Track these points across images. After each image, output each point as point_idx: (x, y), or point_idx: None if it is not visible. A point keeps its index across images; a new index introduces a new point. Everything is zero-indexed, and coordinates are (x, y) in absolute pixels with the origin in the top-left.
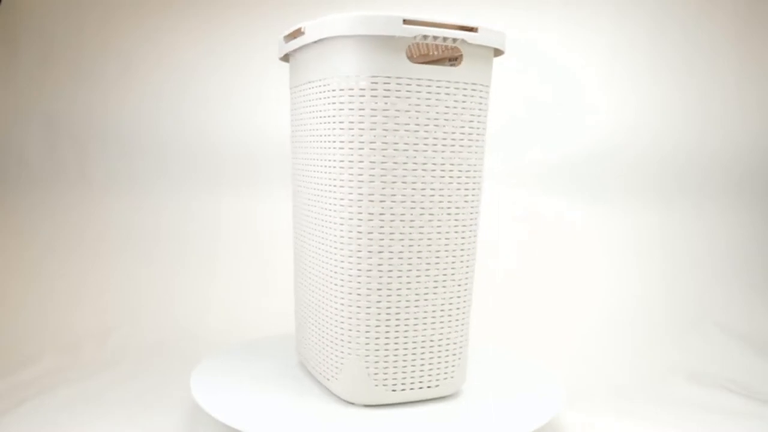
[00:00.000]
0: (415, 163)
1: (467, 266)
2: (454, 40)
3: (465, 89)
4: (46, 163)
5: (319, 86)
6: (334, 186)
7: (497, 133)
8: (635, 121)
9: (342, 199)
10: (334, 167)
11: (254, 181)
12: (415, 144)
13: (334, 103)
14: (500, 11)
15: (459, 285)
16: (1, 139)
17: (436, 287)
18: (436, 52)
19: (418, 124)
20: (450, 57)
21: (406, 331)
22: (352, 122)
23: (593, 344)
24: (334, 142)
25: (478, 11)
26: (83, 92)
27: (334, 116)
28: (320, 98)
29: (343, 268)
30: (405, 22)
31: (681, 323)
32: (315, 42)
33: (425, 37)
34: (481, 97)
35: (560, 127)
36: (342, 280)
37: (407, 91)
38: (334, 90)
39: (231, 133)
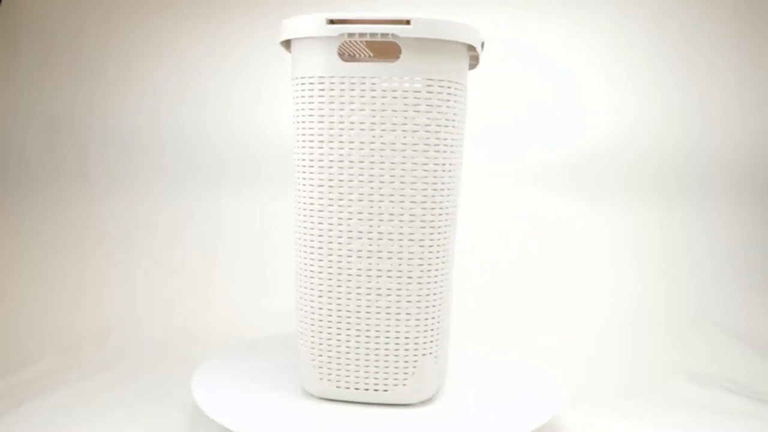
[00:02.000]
0: (372, 162)
1: (436, 270)
2: (383, 35)
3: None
4: (46, 163)
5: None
6: (301, 183)
7: (497, 133)
8: (635, 121)
9: (303, 196)
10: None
11: (255, 180)
12: (371, 143)
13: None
14: (500, 11)
15: (423, 288)
16: (1, 139)
17: (398, 289)
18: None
19: (374, 123)
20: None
21: (357, 332)
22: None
23: (593, 344)
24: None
25: (478, 11)
26: (83, 92)
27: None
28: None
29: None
30: (330, 21)
31: (681, 323)
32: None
33: (351, 35)
34: (448, 94)
35: (560, 127)
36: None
37: (351, 89)
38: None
39: (231, 133)
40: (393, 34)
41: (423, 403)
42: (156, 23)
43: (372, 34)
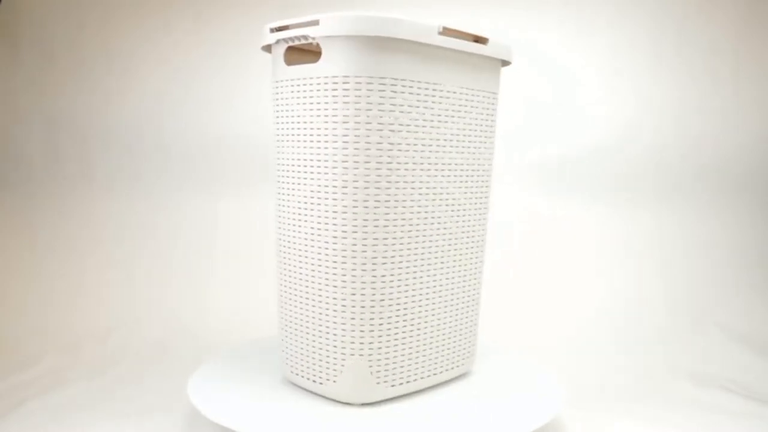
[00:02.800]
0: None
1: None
2: (306, 38)
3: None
4: (46, 163)
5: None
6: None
7: (496, 132)
8: (634, 121)
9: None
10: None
11: (255, 181)
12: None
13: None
14: (500, 11)
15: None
16: (1, 140)
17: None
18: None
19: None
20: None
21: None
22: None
23: (593, 344)
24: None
25: (479, 11)
26: (83, 92)
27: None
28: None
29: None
30: (272, 30)
31: (681, 323)
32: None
33: (287, 40)
34: (404, 91)
35: (559, 127)
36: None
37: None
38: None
39: (231, 133)
40: (305, 36)
41: (423, 402)
42: (156, 23)
43: (291, 39)
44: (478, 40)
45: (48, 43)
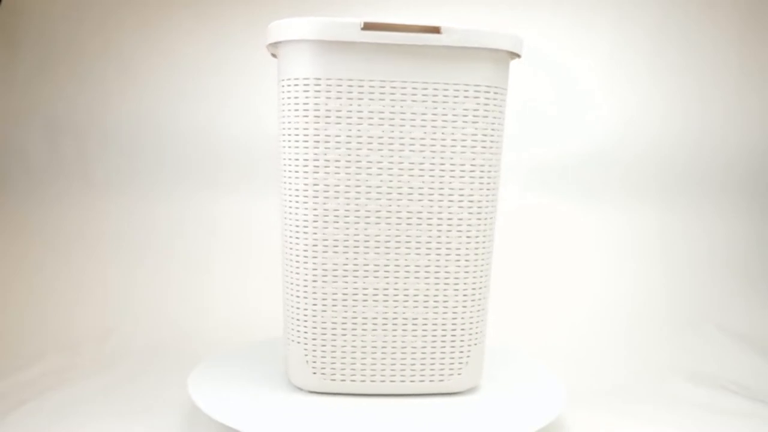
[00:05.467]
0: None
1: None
2: None
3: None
4: (46, 163)
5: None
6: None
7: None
8: (635, 121)
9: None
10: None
11: (255, 181)
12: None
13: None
14: (500, 11)
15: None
16: (1, 140)
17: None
18: None
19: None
20: None
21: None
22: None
23: (593, 344)
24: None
25: (478, 12)
26: (83, 93)
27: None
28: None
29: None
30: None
31: (681, 323)
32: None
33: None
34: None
35: (560, 126)
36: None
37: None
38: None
39: (231, 133)
40: None
41: (425, 402)
42: (156, 23)
43: None
44: (430, 30)
45: (48, 43)
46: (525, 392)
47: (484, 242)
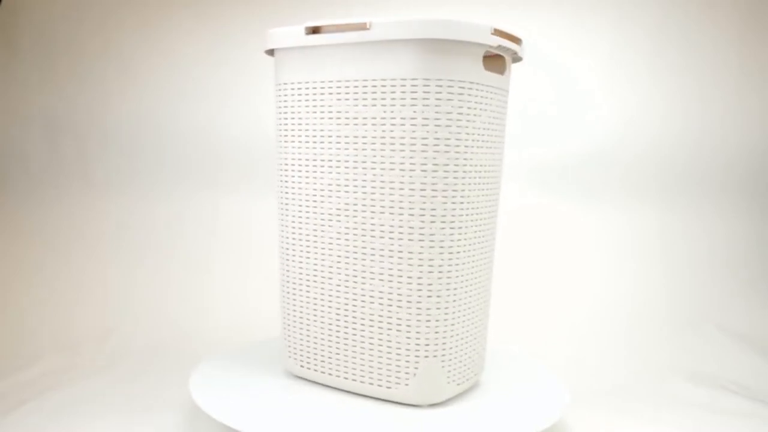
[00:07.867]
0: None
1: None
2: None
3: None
4: (46, 163)
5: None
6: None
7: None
8: (635, 121)
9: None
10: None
11: (255, 181)
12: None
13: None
14: (500, 11)
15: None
16: (1, 140)
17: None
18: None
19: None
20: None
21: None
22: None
23: (593, 344)
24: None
25: (478, 12)
26: (83, 92)
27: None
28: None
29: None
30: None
31: (681, 323)
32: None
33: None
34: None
35: (560, 126)
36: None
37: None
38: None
39: (231, 133)
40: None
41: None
42: (156, 23)
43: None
44: (358, 27)
45: (48, 43)
46: (526, 393)
47: (441, 253)
